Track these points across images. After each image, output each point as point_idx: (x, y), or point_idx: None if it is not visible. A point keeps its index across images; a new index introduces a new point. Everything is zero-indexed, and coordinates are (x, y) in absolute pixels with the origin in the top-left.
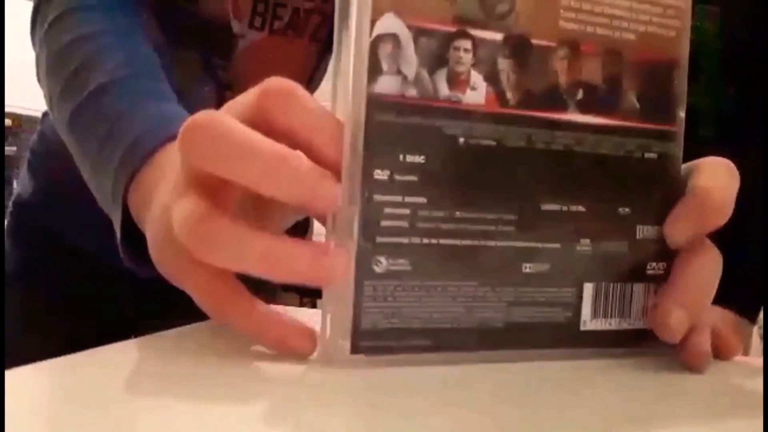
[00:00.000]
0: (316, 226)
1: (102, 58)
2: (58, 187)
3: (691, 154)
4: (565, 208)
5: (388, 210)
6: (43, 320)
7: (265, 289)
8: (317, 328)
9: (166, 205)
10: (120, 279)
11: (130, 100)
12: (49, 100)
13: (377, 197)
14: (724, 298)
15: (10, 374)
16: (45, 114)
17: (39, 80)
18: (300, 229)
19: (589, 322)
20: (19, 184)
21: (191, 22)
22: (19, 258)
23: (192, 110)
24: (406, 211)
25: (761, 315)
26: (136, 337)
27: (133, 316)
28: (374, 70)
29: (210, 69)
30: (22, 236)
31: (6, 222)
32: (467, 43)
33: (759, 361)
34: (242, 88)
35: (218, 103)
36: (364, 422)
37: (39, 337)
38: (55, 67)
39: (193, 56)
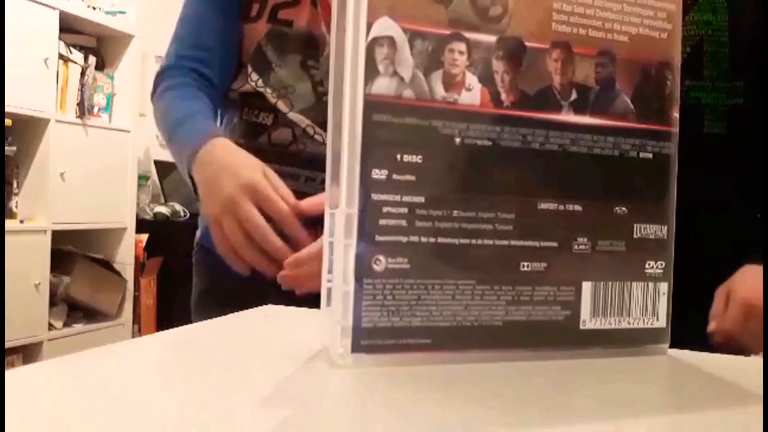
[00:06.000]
0: None
1: (179, 109)
2: None
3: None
4: (561, 207)
5: (386, 209)
6: None
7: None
8: (318, 327)
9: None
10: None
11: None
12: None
13: (375, 196)
14: None
15: (10, 374)
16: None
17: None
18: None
19: (588, 321)
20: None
21: (290, 36)
22: (200, 287)
23: (299, 101)
24: (405, 210)
25: None
26: None
27: None
28: (371, 72)
29: (306, 69)
30: (202, 270)
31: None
32: (462, 46)
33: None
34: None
35: (315, 95)
36: (364, 420)
37: None
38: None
39: (293, 58)
